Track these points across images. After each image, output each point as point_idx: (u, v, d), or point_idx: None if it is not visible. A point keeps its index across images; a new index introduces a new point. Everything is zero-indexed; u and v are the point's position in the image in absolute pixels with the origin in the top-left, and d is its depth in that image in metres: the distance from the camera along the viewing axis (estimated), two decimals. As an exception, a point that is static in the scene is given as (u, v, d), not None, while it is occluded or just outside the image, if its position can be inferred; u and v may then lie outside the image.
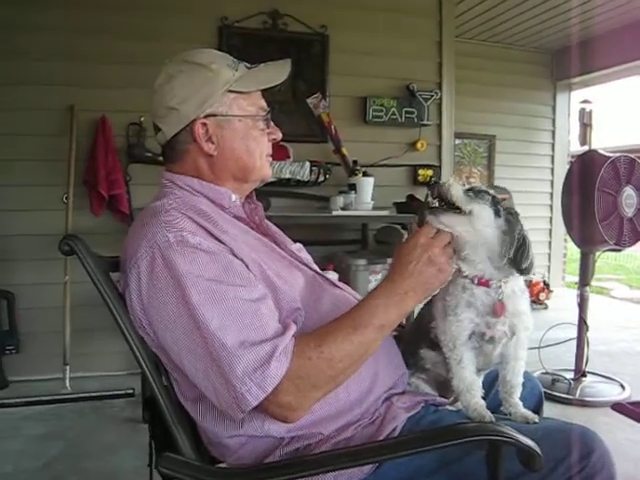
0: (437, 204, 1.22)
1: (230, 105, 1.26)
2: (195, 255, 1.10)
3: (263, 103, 1.33)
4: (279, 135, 1.36)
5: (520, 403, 1.28)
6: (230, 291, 1.09)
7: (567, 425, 1.20)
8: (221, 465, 1.23)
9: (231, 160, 1.29)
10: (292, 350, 1.07)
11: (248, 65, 1.32)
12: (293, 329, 1.12)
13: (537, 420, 1.25)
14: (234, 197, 1.30)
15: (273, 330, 1.09)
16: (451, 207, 1.19)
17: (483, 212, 1.20)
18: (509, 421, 1.24)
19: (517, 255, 1.19)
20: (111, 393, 3.37)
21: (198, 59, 1.27)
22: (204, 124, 1.25)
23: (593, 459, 1.11)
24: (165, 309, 1.09)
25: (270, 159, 1.37)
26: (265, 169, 1.35)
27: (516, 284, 1.25)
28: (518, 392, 1.29)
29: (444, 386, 1.35)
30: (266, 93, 1.35)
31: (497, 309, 1.23)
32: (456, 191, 1.19)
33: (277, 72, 1.33)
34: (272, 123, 1.35)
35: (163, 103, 1.26)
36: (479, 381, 1.34)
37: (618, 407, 1.73)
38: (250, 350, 1.04)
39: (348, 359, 1.11)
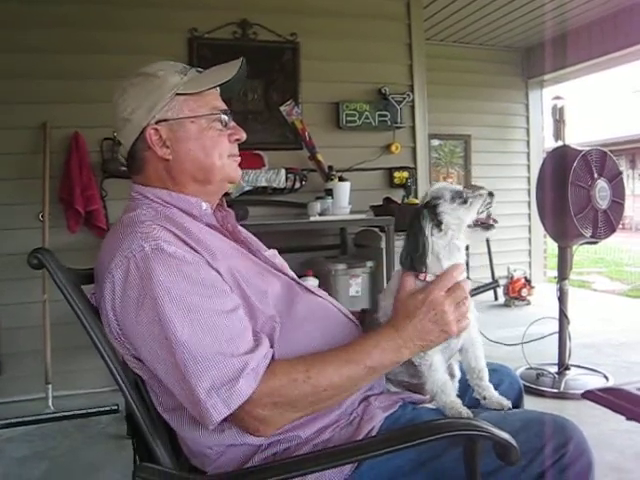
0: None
1: (180, 108, 1.26)
2: (170, 264, 1.09)
3: (218, 103, 1.31)
4: (242, 135, 1.34)
5: (491, 386, 1.31)
6: (204, 303, 1.08)
7: (544, 415, 1.21)
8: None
9: (188, 162, 1.27)
10: (264, 370, 1.07)
11: (200, 70, 1.33)
12: (266, 346, 1.11)
13: (510, 406, 1.28)
14: (205, 206, 1.29)
15: (245, 346, 1.08)
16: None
17: None
18: (486, 415, 1.24)
19: None
20: (95, 410, 3.33)
21: (147, 69, 1.29)
22: (156, 130, 1.25)
23: (570, 447, 1.12)
24: (138, 319, 1.08)
25: (237, 159, 1.35)
26: (228, 168, 1.32)
27: None
28: (486, 375, 1.32)
29: (411, 387, 1.36)
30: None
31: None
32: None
33: (227, 69, 1.31)
34: (233, 123, 1.34)
35: (118, 115, 1.28)
36: (455, 375, 1.37)
37: (589, 395, 1.70)
38: (219, 364, 1.04)
39: (333, 390, 1.12)
